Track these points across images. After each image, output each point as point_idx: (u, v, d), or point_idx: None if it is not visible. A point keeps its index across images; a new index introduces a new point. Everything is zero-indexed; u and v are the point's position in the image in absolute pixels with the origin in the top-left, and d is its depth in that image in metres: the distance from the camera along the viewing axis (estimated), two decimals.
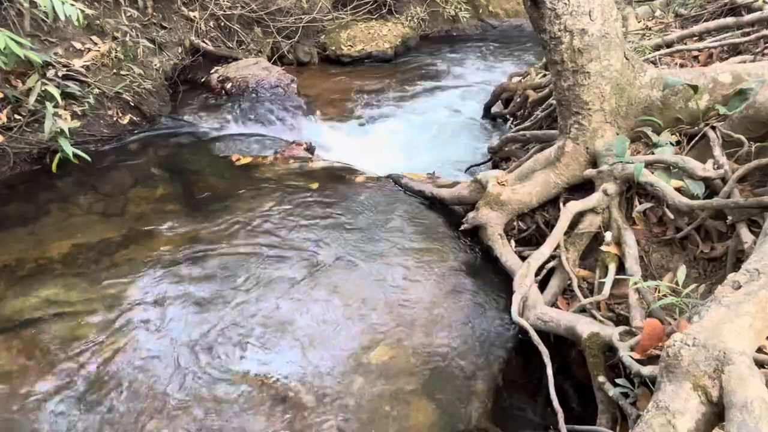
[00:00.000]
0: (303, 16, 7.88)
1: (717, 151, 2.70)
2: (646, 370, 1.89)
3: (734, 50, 3.75)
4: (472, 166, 4.85)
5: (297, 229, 3.54)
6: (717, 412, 1.49)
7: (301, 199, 3.89)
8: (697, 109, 2.96)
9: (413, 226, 3.62)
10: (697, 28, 4.08)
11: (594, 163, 3.10)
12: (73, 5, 4.01)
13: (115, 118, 5.03)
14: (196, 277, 3.13)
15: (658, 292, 2.38)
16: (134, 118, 5.21)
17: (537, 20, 2.96)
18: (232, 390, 2.47)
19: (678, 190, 2.64)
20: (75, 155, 4.18)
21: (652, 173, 2.77)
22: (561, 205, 3.14)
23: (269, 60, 7.08)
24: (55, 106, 4.29)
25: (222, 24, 7.01)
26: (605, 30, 2.87)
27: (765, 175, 2.56)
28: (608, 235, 2.82)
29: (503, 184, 3.38)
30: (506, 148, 4.37)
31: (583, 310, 2.58)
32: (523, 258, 3.01)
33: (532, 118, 4.51)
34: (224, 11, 6.94)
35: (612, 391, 2.09)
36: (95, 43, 5.18)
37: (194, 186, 4.20)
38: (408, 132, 5.83)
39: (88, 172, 4.31)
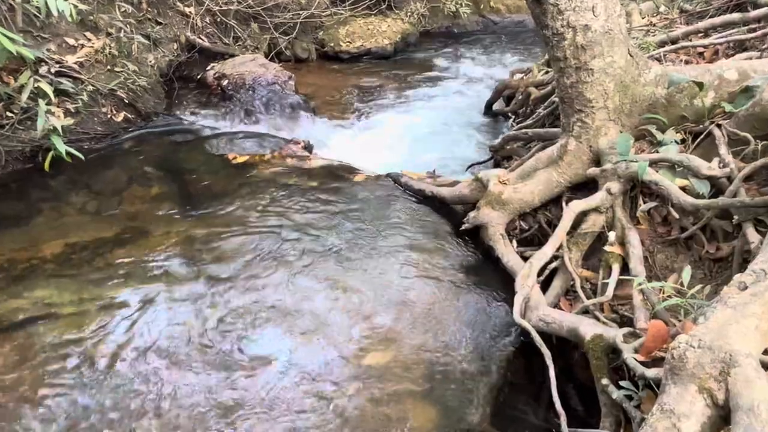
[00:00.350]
0: (301, 12, 7.88)
1: (722, 150, 2.70)
2: (651, 373, 1.89)
3: (740, 46, 3.75)
4: (473, 165, 4.84)
5: (294, 229, 3.53)
6: (723, 415, 1.49)
7: (298, 198, 3.89)
8: (702, 107, 2.96)
9: (413, 225, 3.62)
10: (702, 24, 4.08)
11: (597, 161, 3.10)
12: (66, 0, 4.00)
13: (109, 116, 5.03)
14: (191, 277, 3.13)
15: (663, 293, 2.37)
16: (129, 116, 5.20)
17: (539, 16, 2.95)
18: (228, 392, 2.46)
19: (683, 189, 2.64)
20: (68, 153, 4.17)
21: (657, 172, 2.77)
22: (564, 204, 3.13)
23: (266, 56, 7.07)
24: (47, 104, 4.28)
25: (218, 20, 7.01)
26: (609, 26, 2.87)
27: None
28: (612, 235, 2.82)
29: (505, 183, 3.38)
30: (508, 147, 4.37)
31: (586, 312, 2.58)
32: (525, 258, 3.00)
33: (534, 115, 4.51)
34: (220, 7, 6.94)
35: (616, 394, 2.08)
36: (89, 39, 5.17)
37: (190, 185, 4.20)
38: (408, 130, 5.82)
39: (81, 170, 4.31)
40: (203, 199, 3.97)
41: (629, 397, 2.05)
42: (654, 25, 4.68)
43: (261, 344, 2.71)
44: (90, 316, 2.85)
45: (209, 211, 3.76)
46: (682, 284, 2.18)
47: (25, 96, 4.21)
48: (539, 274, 2.84)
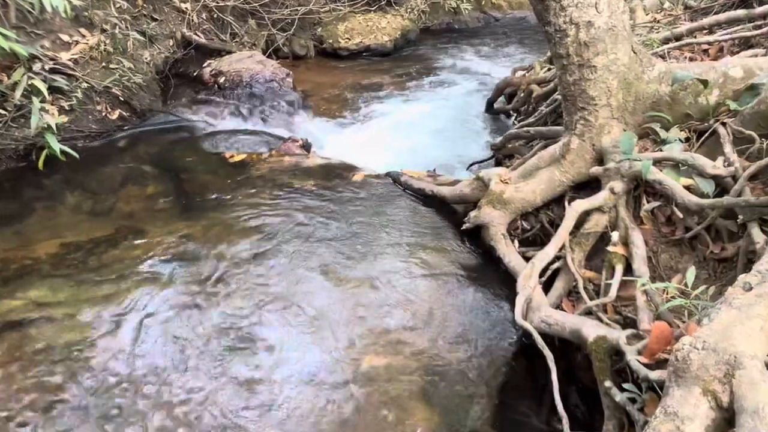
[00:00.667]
0: (299, 8, 7.88)
1: (727, 148, 2.70)
2: (654, 375, 1.89)
3: (745, 43, 3.75)
4: (474, 164, 4.85)
5: (292, 229, 3.53)
6: (727, 417, 1.49)
7: (296, 197, 3.89)
8: (707, 105, 2.96)
9: (413, 225, 3.62)
10: (707, 21, 4.08)
11: (600, 160, 3.10)
12: None
13: (104, 114, 5.03)
14: (187, 278, 3.13)
15: (667, 293, 2.37)
16: (124, 114, 5.20)
17: (541, 12, 2.95)
18: (224, 393, 2.46)
19: (687, 188, 2.64)
20: (62, 152, 4.17)
21: (661, 171, 2.77)
22: (566, 203, 3.13)
23: (264, 53, 7.08)
24: (41, 101, 4.28)
25: (215, 16, 7.01)
26: (612, 22, 2.87)
27: None
28: (615, 235, 2.82)
29: (506, 182, 3.38)
30: (509, 145, 4.37)
31: (588, 313, 2.58)
32: (527, 258, 3.00)
33: (536, 113, 4.51)
34: (217, 2, 6.94)
35: (619, 397, 2.09)
36: (83, 36, 5.17)
37: (186, 184, 4.20)
38: (407, 128, 5.83)
39: (75, 169, 4.30)
40: (199, 198, 3.97)
41: (632, 400, 2.05)
42: (658, 22, 4.68)
43: (257, 345, 2.71)
44: (85, 317, 2.85)
45: (205, 211, 3.76)
46: (686, 285, 2.18)
47: (18, 93, 4.21)
48: (541, 275, 2.85)
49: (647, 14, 4.98)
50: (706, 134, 2.94)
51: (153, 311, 2.90)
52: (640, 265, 2.61)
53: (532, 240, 3.38)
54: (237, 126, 5.43)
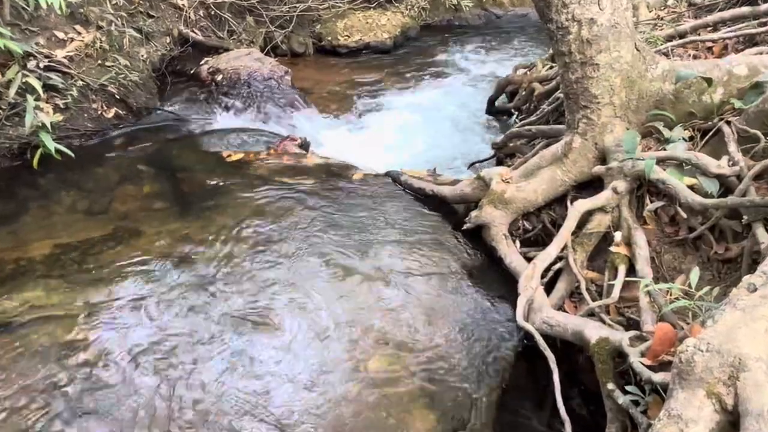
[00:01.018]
0: (297, 5, 7.87)
1: (732, 147, 2.70)
2: (658, 377, 1.89)
3: (750, 41, 3.75)
4: (474, 163, 4.85)
5: (291, 230, 3.53)
6: (732, 420, 1.49)
7: (294, 197, 3.89)
8: (711, 103, 2.96)
9: (413, 225, 3.62)
10: (711, 18, 4.08)
11: (603, 159, 3.10)
12: None
13: (99, 112, 5.02)
14: (183, 279, 3.12)
15: (670, 294, 2.38)
16: (120, 112, 5.20)
17: (543, 9, 2.95)
18: (221, 395, 2.46)
19: (691, 187, 2.64)
20: (57, 150, 4.17)
21: (664, 170, 2.77)
22: (568, 203, 3.14)
23: (262, 51, 7.08)
24: (36, 99, 4.28)
25: (212, 13, 7.01)
26: (615, 20, 2.87)
27: None
28: (618, 235, 2.82)
29: (508, 182, 3.38)
30: (511, 144, 4.37)
31: (591, 314, 2.59)
32: (529, 259, 3.00)
33: (538, 112, 4.51)
34: None
35: (622, 399, 2.09)
36: (79, 33, 5.17)
37: (183, 183, 4.20)
38: (407, 127, 5.83)
39: (71, 168, 4.30)
40: (196, 197, 3.97)
41: (635, 402, 2.05)
42: (661, 19, 4.68)
43: (254, 347, 2.71)
44: (80, 318, 2.85)
45: (202, 211, 3.76)
46: (690, 286, 2.18)
47: (12, 91, 4.21)
48: (543, 276, 2.85)
49: (650, 11, 4.98)
50: (710, 133, 2.94)
51: (149, 313, 2.89)
52: (644, 266, 2.61)
53: (533, 240, 3.38)
54: (234, 124, 5.42)
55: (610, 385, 2.16)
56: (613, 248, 2.80)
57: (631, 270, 2.68)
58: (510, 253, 3.15)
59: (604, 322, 2.47)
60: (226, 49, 6.59)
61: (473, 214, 3.41)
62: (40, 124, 4.17)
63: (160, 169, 4.41)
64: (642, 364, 2.00)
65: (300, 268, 3.20)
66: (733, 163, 2.62)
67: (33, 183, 4.14)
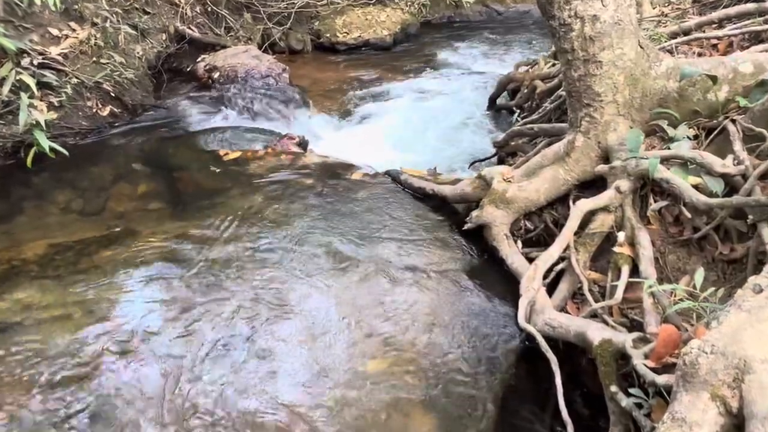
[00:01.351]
0: (295, 1, 7.88)
1: (737, 146, 2.70)
2: (662, 380, 1.89)
3: (756, 38, 3.75)
4: (475, 162, 4.85)
5: (288, 230, 3.53)
6: (737, 424, 1.49)
7: (293, 197, 3.89)
8: (716, 101, 2.96)
9: (413, 225, 3.62)
10: (716, 15, 4.08)
11: (606, 158, 3.10)
12: None
13: (94, 110, 5.02)
14: (180, 280, 3.12)
15: (674, 296, 2.37)
16: (115, 110, 5.20)
17: (545, 6, 2.95)
18: (218, 398, 2.46)
19: (696, 187, 2.64)
20: (51, 149, 4.16)
21: (668, 169, 2.77)
22: (571, 203, 3.13)
23: (259, 48, 7.08)
24: (30, 97, 4.28)
25: (209, 9, 7.01)
26: (618, 16, 2.87)
27: None
28: (621, 236, 2.82)
29: (509, 181, 3.38)
30: (512, 143, 4.37)
31: (594, 316, 2.58)
32: (531, 260, 3.00)
33: (540, 110, 4.51)
34: None
35: (625, 402, 2.09)
36: (73, 30, 5.17)
37: (179, 182, 4.20)
38: (407, 125, 5.83)
39: (65, 167, 4.30)
40: (193, 197, 3.97)
41: (639, 405, 2.05)
42: (666, 16, 4.68)
43: (252, 349, 2.71)
44: (74, 319, 2.84)
45: (199, 210, 3.76)
46: (694, 287, 2.18)
47: (6, 89, 4.21)
48: (545, 276, 2.84)
49: (654, 8, 4.98)
50: (715, 132, 2.94)
51: (144, 314, 2.89)
52: (647, 267, 2.61)
53: (535, 240, 3.38)
54: (231, 123, 5.43)
55: (613, 388, 2.16)
56: (616, 248, 2.80)
57: (635, 271, 2.68)
58: (511, 253, 3.15)
59: (607, 323, 2.47)
60: (223, 46, 6.60)
61: (474, 213, 3.41)
62: (34, 122, 4.17)
63: (156, 168, 4.41)
64: (645, 366, 1.99)
65: (298, 268, 3.20)
66: (738, 162, 2.62)
67: (27, 182, 4.14)
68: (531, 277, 2.76)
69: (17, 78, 4.24)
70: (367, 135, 5.68)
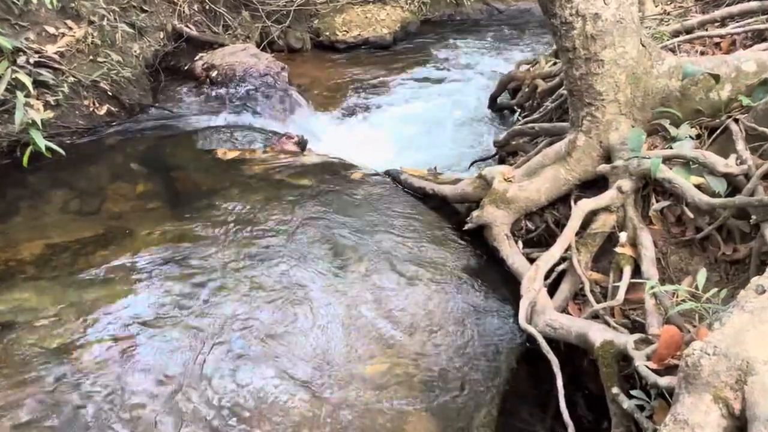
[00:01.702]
0: None
1: (740, 146, 2.70)
2: (664, 381, 1.89)
3: (759, 37, 3.75)
4: (476, 162, 4.85)
5: (288, 230, 3.53)
6: (739, 426, 1.49)
7: (292, 197, 3.89)
8: (718, 100, 2.96)
9: (413, 225, 3.62)
10: (719, 13, 4.08)
11: (608, 158, 3.10)
12: None
13: (91, 109, 5.02)
14: (178, 280, 3.12)
15: (677, 296, 2.37)
16: (112, 109, 5.20)
17: (546, 4, 2.95)
18: (216, 401, 2.46)
19: (698, 187, 2.64)
20: (48, 148, 4.15)
21: (671, 169, 2.77)
22: (572, 203, 3.14)
23: (258, 46, 7.08)
24: (26, 96, 4.27)
25: (207, 7, 7.01)
26: (620, 15, 2.87)
27: None
28: (623, 236, 2.82)
29: (510, 181, 3.38)
30: (513, 142, 4.37)
31: (595, 316, 2.59)
32: (532, 260, 3.01)
33: (541, 109, 4.51)
34: None
35: (626, 404, 2.09)
36: (70, 28, 5.16)
37: (177, 182, 4.20)
38: (408, 125, 5.83)
39: (62, 166, 4.30)
40: (191, 197, 3.96)
41: (641, 407, 2.06)
42: (668, 14, 4.68)
43: (252, 349, 2.71)
44: (71, 321, 2.85)
45: (197, 211, 3.76)
46: (696, 287, 2.18)
47: (2, 88, 4.20)
48: (546, 277, 2.85)
49: (657, 6, 4.98)
50: (718, 131, 2.94)
51: (142, 315, 2.89)
52: (649, 267, 2.61)
53: (536, 241, 3.38)
54: (230, 122, 5.42)
55: (615, 389, 2.16)
56: (618, 249, 2.80)
57: (637, 271, 2.69)
58: (512, 253, 3.16)
59: (608, 324, 2.47)
60: (221, 45, 6.59)
61: (475, 213, 3.41)
62: (30, 121, 4.16)
63: (154, 167, 4.41)
64: (647, 367, 2.00)
65: (296, 269, 3.20)
66: (741, 162, 2.62)
67: (23, 182, 4.14)
68: (532, 278, 2.76)
69: (13, 76, 4.23)
70: (366, 134, 5.68)
